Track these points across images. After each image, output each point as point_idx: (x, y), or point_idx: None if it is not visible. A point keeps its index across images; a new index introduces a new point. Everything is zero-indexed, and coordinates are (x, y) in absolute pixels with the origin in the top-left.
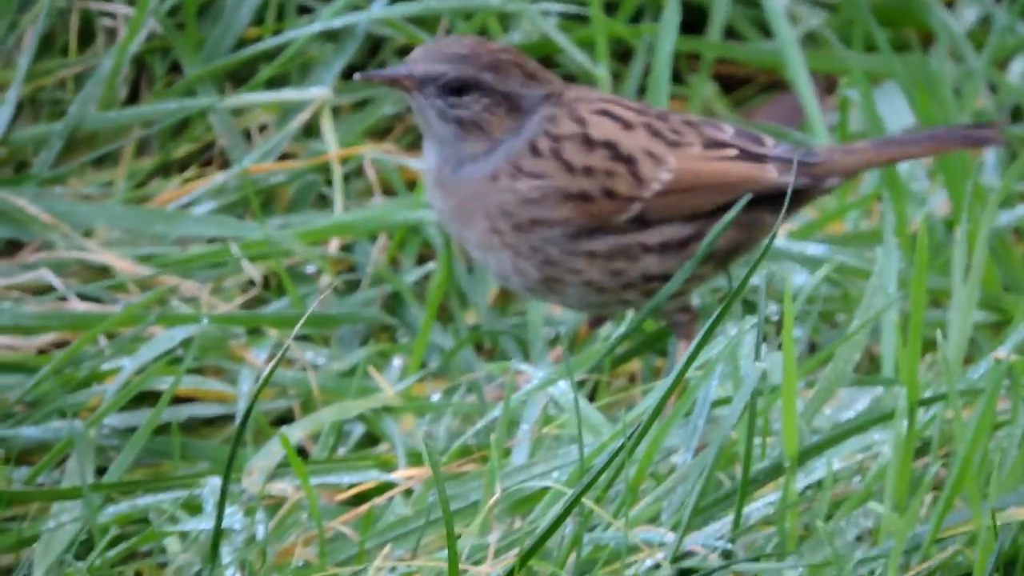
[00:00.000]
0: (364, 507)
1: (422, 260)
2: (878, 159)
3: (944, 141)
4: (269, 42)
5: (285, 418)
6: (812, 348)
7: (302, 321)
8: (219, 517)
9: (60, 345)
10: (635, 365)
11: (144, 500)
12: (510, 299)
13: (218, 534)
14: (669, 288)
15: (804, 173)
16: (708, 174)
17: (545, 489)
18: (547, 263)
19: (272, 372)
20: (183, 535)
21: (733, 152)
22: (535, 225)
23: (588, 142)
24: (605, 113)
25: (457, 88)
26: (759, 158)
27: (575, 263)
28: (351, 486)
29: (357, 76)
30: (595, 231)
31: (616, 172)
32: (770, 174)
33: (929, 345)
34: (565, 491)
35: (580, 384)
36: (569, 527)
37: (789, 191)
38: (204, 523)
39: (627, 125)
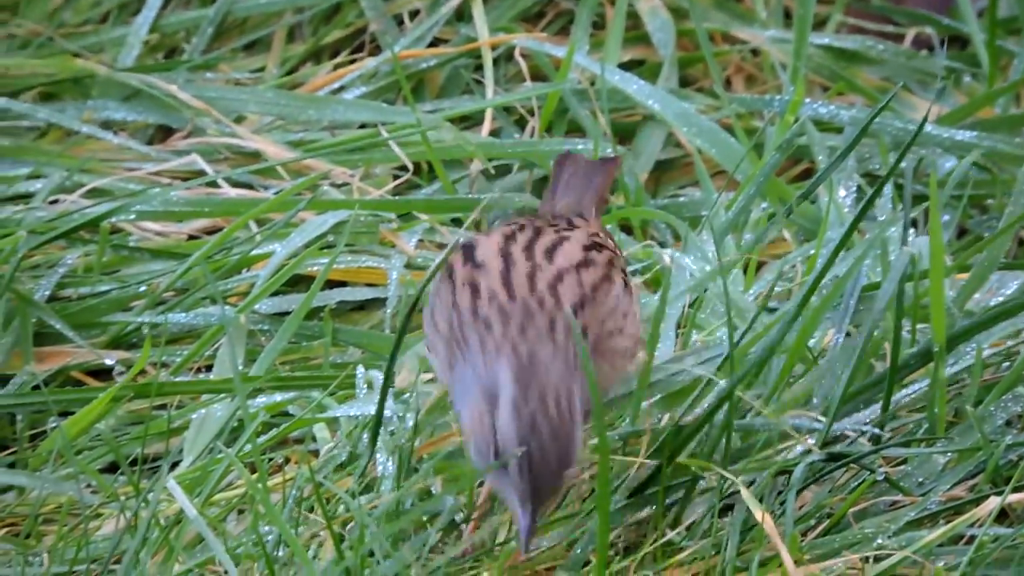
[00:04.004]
0: None
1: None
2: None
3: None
4: None
5: None
6: (961, 233)
7: (478, 212)
8: (381, 403)
9: (211, 231)
10: (785, 247)
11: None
12: (661, 182)
13: (379, 421)
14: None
15: None
16: None
17: (696, 381)
18: None
19: (440, 264)
20: (333, 421)
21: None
22: None
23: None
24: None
25: None
26: None
27: None
28: None
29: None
30: None
31: None
32: None
33: None
34: (717, 380)
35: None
36: (719, 415)
37: None
38: (355, 410)
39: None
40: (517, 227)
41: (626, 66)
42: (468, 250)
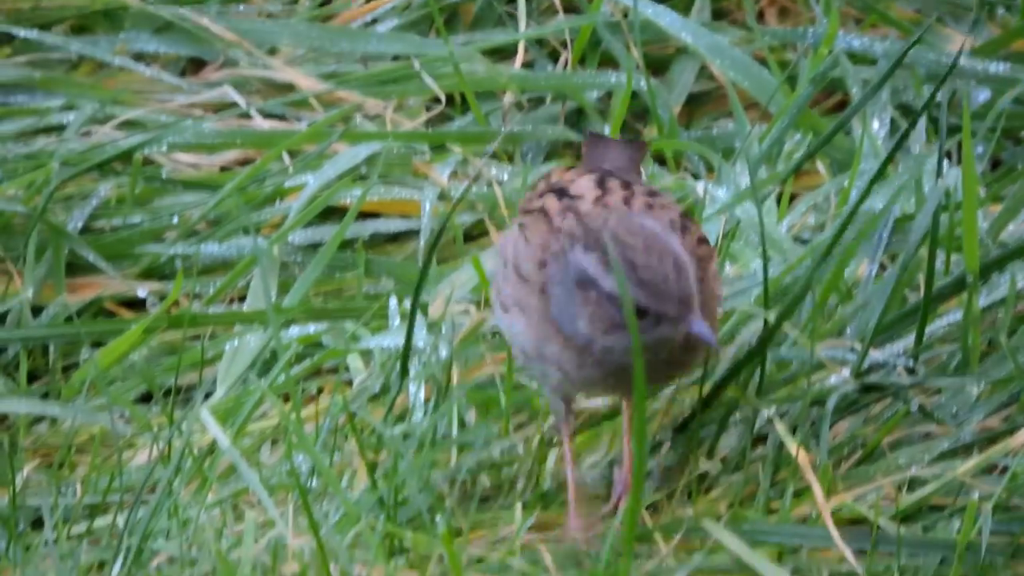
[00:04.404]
0: None
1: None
2: None
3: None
4: None
5: (470, 233)
6: (995, 164)
7: (497, 140)
8: (409, 331)
9: (243, 163)
10: (818, 179)
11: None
12: (694, 114)
13: (407, 350)
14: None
15: None
16: None
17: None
18: None
19: (465, 192)
20: (366, 352)
21: None
22: None
23: None
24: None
25: None
26: None
27: None
28: None
29: None
30: None
31: None
32: None
33: None
34: (754, 310)
35: (763, 201)
36: (753, 345)
37: None
38: (388, 340)
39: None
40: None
41: None
42: (560, 191)
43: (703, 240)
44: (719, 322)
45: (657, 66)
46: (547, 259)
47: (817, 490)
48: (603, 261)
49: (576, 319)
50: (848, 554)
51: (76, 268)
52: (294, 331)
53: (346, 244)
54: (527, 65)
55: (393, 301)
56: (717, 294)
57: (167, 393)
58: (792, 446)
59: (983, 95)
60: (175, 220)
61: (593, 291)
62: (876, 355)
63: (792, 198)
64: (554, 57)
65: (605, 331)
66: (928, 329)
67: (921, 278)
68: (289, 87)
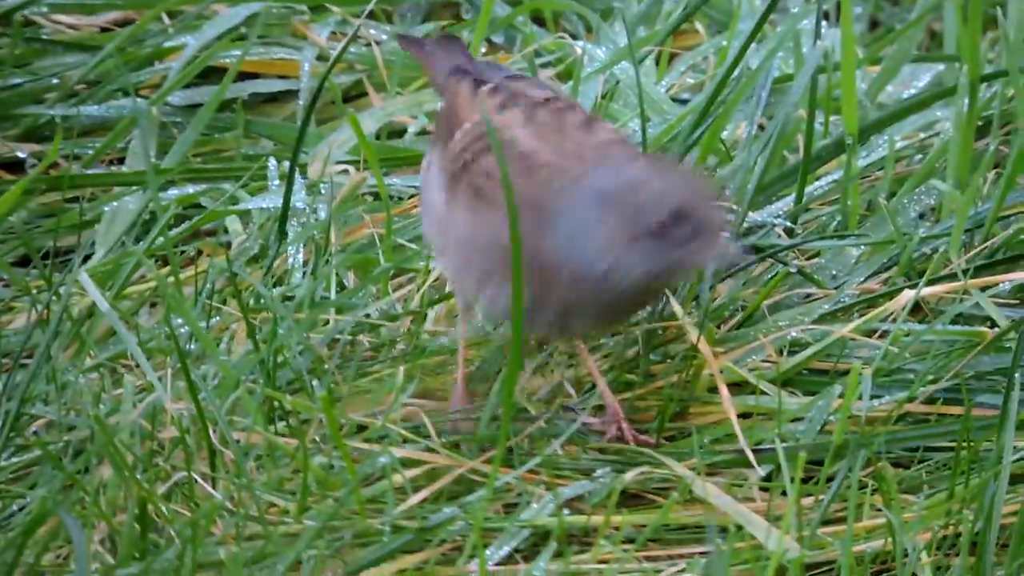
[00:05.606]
0: None
1: None
2: None
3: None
4: None
5: (348, 94)
6: (873, 25)
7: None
8: (288, 192)
9: (123, 24)
10: (697, 39)
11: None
12: None
13: (286, 210)
14: None
15: None
16: None
17: None
18: None
19: (343, 51)
20: (245, 214)
21: None
22: None
23: None
24: None
25: None
26: None
27: None
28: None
29: None
30: None
31: None
32: None
33: (991, 22)
34: None
35: (642, 61)
36: None
37: None
38: (267, 202)
39: None
40: (523, 105)
41: None
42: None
43: None
44: None
45: None
46: (548, 196)
47: (706, 349)
48: (645, 168)
49: (593, 241)
50: (733, 417)
51: None
52: (173, 192)
53: (225, 105)
54: None
55: (272, 162)
56: None
57: (45, 256)
58: (678, 308)
59: None
60: (55, 81)
61: (617, 204)
62: (755, 217)
63: (671, 58)
64: None
65: (632, 240)
66: (807, 190)
67: (800, 139)
68: None
